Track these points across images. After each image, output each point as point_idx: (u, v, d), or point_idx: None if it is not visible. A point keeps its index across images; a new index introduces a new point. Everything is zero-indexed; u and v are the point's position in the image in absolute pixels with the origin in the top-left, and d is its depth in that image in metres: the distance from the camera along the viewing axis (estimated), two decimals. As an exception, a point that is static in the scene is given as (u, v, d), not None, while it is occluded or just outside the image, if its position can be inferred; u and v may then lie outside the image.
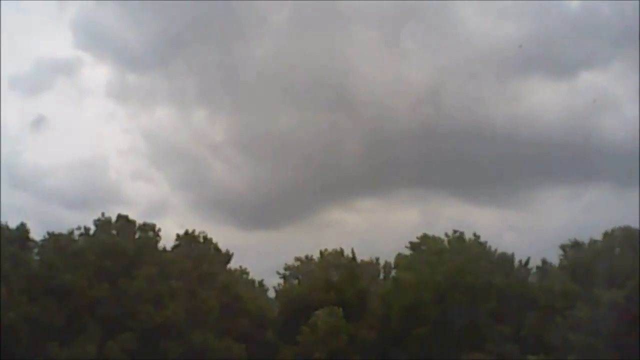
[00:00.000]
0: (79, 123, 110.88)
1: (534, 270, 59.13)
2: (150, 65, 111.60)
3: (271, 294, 65.03)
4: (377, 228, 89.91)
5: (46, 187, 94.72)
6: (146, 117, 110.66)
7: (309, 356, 53.43)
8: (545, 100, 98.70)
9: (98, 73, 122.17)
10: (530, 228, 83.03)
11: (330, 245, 63.69)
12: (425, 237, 59.56)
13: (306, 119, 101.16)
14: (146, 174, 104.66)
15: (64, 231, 55.46)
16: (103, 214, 57.71)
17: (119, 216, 58.52)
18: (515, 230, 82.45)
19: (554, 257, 58.23)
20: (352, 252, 61.66)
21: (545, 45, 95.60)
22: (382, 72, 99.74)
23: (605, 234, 54.34)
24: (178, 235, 59.56)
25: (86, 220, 60.33)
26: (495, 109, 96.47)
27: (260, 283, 63.52)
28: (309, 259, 63.84)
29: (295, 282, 63.71)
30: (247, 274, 61.86)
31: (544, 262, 58.90)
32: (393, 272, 62.12)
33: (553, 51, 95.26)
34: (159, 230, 58.28)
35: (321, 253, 62.99)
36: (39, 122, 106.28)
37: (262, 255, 62.80)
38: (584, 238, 56.60)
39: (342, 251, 62.32)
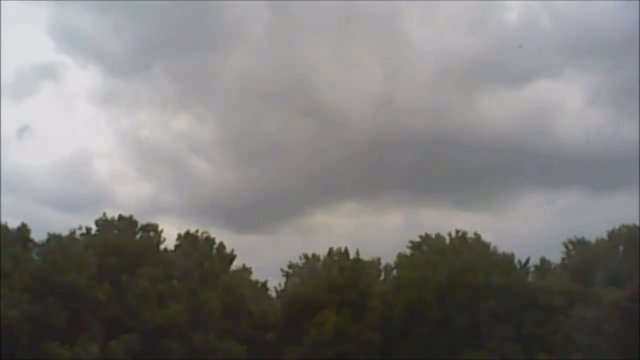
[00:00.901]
0: (63, 127, 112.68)
1: (532, 269, 59.30)
2: (132, 70, 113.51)
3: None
4: (362, 231, 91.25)
5: (32, 190, 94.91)
6: (130, 121, 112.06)
7: (315, 357, 53.71)
8: (501, 109, 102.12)
9: (80, 78, 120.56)
10: (507, 231, 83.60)
11: (317, 249, 64.85)
12: (426, 237, 59.78)
13: (285, 124, 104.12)
14: (130, 178, 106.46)
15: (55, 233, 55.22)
16: (104, 214, 57.93)
17: (120, 216, 58.63)
18: (491, 233, 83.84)
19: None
20: (357, 252, 61.96)
21: (494, 55, 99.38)
22: (342, 81, 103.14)
23: (611, 233, 54.35)
24: (179, 235, 59.71)
25: (74, 223, 60.91)
26: (463, 117, 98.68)
27: (264, 284, 63.51)
28: (315, 257, 64.02)
29: (298, 281, 63.91)
30: (251, 272, 61.90)
31: (543, 261, 59.08)
32: (394, 272, 62.34)
33: (503, 61, 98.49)
34: (162, 230, 58.30)
35: (328, 252, 63.17)
36: (24, 129, 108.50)
37: (249, 258, 63.41)
38: (558, 241, 58.43)
39: (346, 251, 62.50)
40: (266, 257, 67.62)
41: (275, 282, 65.11)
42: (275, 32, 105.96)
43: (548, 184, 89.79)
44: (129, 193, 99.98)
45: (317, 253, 64.43)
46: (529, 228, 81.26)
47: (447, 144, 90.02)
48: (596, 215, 78.97)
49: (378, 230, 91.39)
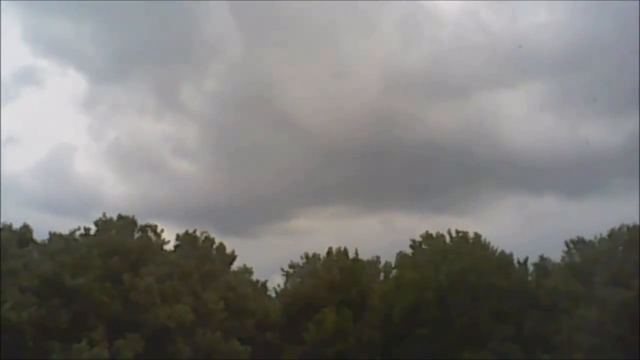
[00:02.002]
0: (45, 132, 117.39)
1: (532, 268, 59.28)
2: (112, 77, 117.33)
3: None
4: (342, 235, 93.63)
5: (16, 194, 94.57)
6: (112, 125, 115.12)
7: (314, 356, 53.79)
8: (451, 119, 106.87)
9: (62, 83, 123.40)
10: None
11: (300, 251, 65.71)
12: (427, 236, 59.80)
13: (260, 132, 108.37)
14: (114, 181, 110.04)
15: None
16: (104, 214, 57.52)
17: (120, 216, 58.37)
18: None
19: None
20: (356, 251, 62.13)
21: (434, 69, 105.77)
22: (303, 92, 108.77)
23: (611, 233, 54.45)
24: (178, 235, 59.52)
25: (61, 225, 61.92)
26: (417, 127, 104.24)
27: (263, 284, 63.64)
28: (315, 257, 64.15)
29: (298, 280, 64.00)
30: (252, 273, 61.98)
31: (542, 259, 59.07)
32: (394, 272, 62.35)
33: (443, 74, 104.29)
34: (162, 230, 58.00)
35: (328, 252, 63.33)
36: (9, 138, 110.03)
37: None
38: (533, 244, 60.80)
39: (345, 251, 62.54)
40: (251, 260, 68.49)
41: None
42: (243, 47, 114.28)
43: (515, 188, 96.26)
44: (112, 196, 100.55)
45: (308, 254, 65.05)
46: (502, 232, 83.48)
47: (410, 152, 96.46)
48: (568, 220, 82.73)
49: (357, 234, 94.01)
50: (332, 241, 66.52)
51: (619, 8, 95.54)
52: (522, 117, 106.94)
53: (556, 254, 57.91)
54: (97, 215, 57.56)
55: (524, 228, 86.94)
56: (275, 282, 66.28)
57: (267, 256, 73.01)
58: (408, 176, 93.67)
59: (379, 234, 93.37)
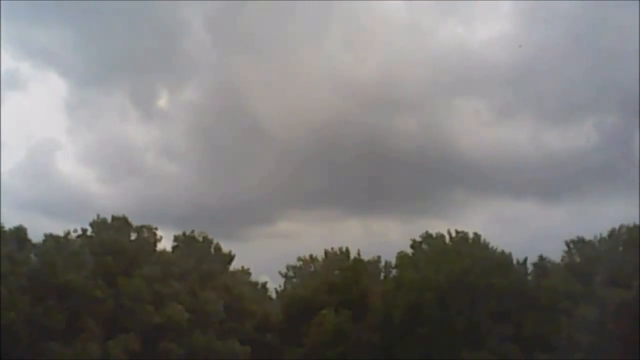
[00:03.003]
0: (29, 135, 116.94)
1: (531, 268, 59.53)
2: (93, 83, 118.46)
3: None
4: (327, 237, 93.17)
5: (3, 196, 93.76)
6: (95, 130, 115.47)
7: (315, 357, 53.56)
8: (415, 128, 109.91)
9: (44, 87, 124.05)
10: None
11: (287, 254, 66.28)
12: (427, 237, 59.75)
13: (239, 139, 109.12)
14: (98, 184, 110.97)
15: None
16: (98, 216, 56.92)
17: (114, 217, 57.61)
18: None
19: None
20: (358, 252, 61.87)
21: (388, 81, 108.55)
22: (273, 103, 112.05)
23: (611, 233, 54.77)
24: (176, 237, 59.20)
25: (52, 228, 61.79)
26: (383, 135, 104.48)
27: (264, 285, 63.29)
28: (313, 258, 63.87)
29: (297, 282, 63.68)
30: (250, 274, 61.63)
31: (541, 259, 59.35)
32: (394, 272, 62.23)
33: (397, 86, 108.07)
34: (156, 228, 57.46)
35: (325, 253, 62.99)
36: None
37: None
38: (512, 247, 59.52)
39: (347, 251, 62.24)
40: (239, 262, 68.71)
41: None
42: (217, 59, 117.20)
43: (489, 193, 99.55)
44: (98, 198, 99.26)
45: (305, 256, 65.14)
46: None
47: (384, 158, 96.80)
48: (543, 223, 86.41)
49: (342, 237, 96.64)
50: (318, 243, 67.41)
51: (575, 17, 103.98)
52: (486, 124, 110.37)
53: (533, 255, 58.88)
54: (85, 216, 57.54)
55: (501, 230, 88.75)
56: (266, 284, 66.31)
57: (255, 258, 73.17)
58: (388, 181, 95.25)
59: (361, 237, 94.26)
